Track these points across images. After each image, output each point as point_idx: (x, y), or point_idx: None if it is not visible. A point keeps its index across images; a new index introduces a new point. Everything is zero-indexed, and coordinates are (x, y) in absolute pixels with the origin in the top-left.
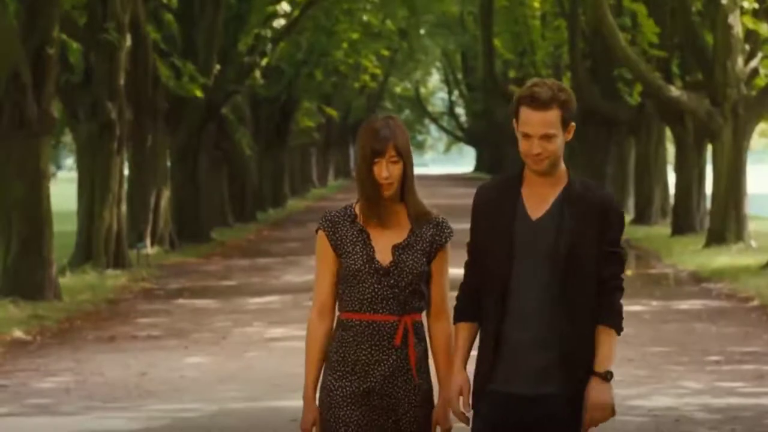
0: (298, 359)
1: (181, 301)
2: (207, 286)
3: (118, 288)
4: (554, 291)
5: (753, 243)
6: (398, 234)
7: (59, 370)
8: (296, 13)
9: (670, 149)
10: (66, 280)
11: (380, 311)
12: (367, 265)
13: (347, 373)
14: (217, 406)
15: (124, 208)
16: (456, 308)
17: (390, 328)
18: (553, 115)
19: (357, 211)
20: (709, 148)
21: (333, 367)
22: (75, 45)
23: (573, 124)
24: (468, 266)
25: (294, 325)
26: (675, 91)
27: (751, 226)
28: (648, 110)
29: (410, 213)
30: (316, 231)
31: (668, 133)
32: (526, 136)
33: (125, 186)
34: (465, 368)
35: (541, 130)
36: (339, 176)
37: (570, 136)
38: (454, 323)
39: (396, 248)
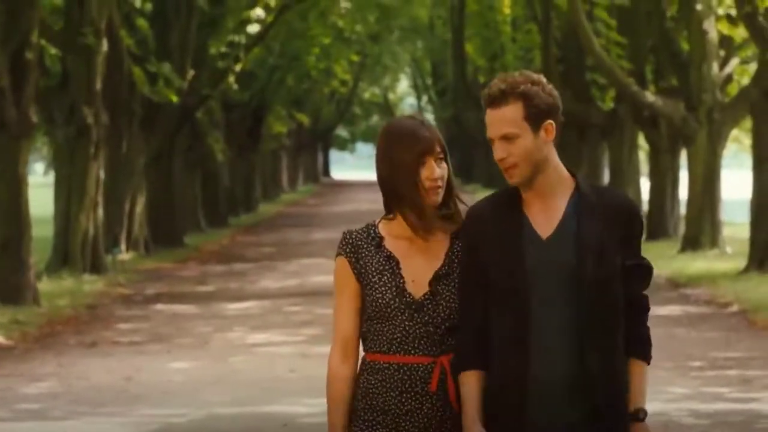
0: (284, 364)
1: (159, 306)
2: (184, 291)
3: (96, 293)
4: (581, 322)
5: (728, 249)
6: (433, 259)
7: (44, 375)
8: (270, 18)
9: (643, 154)
10: (43, 285)
11: (412, 352)
12: (396, 299)
13: (375, 424)
14: (205, 410)
15: (100, 212)
16: (459, 354)
17: (424, 371)
18: (511, 110)
19: (382, 231)
20: (683, 153)
21: (358, 417)
22: (52, 50)
23: (550, 121)
24: (466, 303)
25: (275, 330)
26: (650, 96)
27: (725, 232)
28: (621, 115)
29: (455, 224)
30: (336, 257)
31: (641, 138)
32: (490, 140)
33: (102, 190)
34: (479, 420)
35: (499, 131)
36: (308, 181)
37: (550, 137)
38: (457, 372)
39: (435, 277)
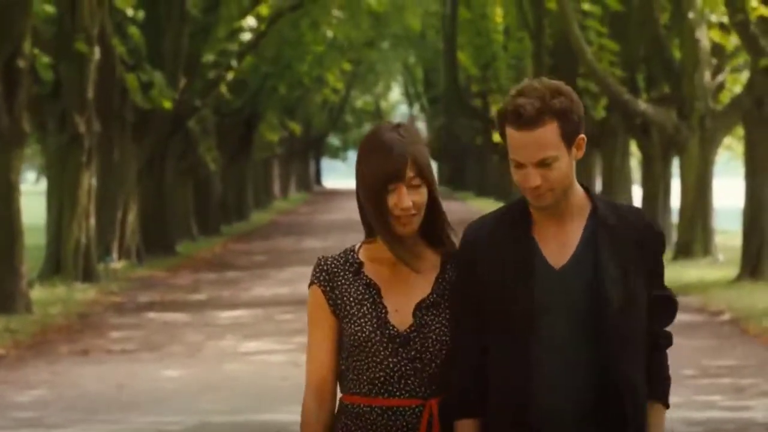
0: (276, 372)
1: (151, 314)
2: (176, 299)
3: (88, 301)
4: (598, 366)
5: (720, 257)
6: (420, 285)
7: (37, 383)
8: (262, 27)
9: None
10: (36, 293)
11: (397, 394)
12: (378, 332)
13: None
14: (198, 418)
15: (92, 220)
16: (455, 398)
17: (411, 416)
18: (549, 132)
19: (362, 256)
20: (675, 161)
21: None
22: (43, 57)
23: (582, 136)
24: (461, 340)
25: (268, 338)
26: (642, 104)
27: (718, 240)
28: (613, 123)
29: (445, 253)
30: (309, 285)
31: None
32: (519, 165)
33: (94, 198)
34: None
35: (535, 156)
36: (300, 189)
37: (581, 153)
38: (451, 418)
39: (418, 307)
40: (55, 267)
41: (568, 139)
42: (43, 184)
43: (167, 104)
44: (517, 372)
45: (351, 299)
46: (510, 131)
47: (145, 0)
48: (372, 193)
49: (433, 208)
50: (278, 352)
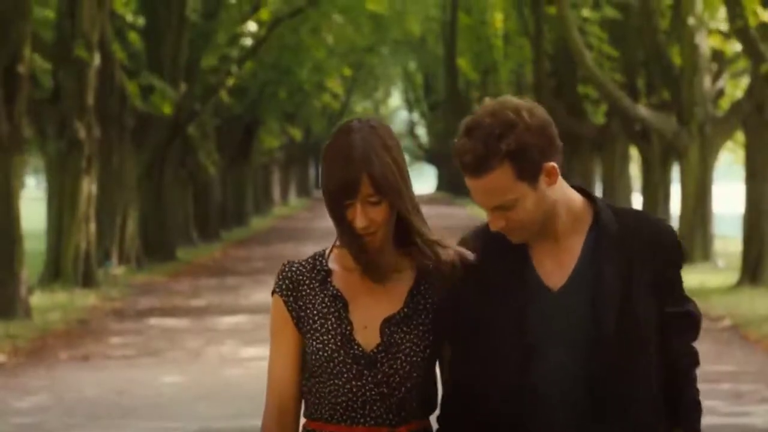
0: None
1: (151, 320)
2: (176, 305)
3: (88, 307)
4: (599, 400)
5: (720, 262)
6: (392, 299)
7: (36, 389)
8: (262, 32)
9: (635, 168)
10: (35, 299)
11: (361, 421)
12: (341, 351)
13: None
14: (198, 424)
15: (92, 226)
16: (441, 427)
17: None
18: (499, 177)
19: (332, 263)
20: (675, 167)
21: None
22: (43, 63)
23: (549, 164)
24: (453, 361)
25: (267, 344)
26: (642, 110)
27: (718, 246)
28: (613, 129)
29: (420, 266)
30: (272, 293)
31: (633, 152)
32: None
33: (93, 204)
34: None
35: (489, 203)
36: (300, 195)
37: (554, 179)
38: None
39: (386, 323)
40: (54, 273)
41: (529, 176)
42: (43, 190)
43: (167, 110)
44: (509, 408)
45: (315, 312)
46: (465, 177)
47: (145, 5)
48: (329, 204)
49: (405, 219)
50: None
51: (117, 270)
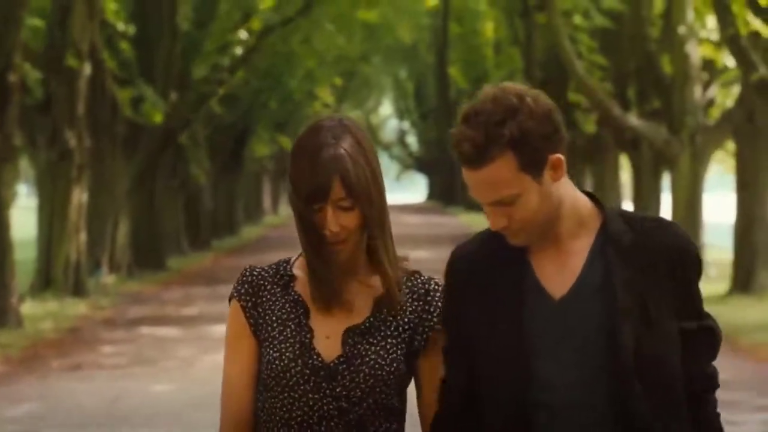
0: None
1: (143, 329)
2: (168, 314)
3: (79, 316)
4: (613, 418)
5: (711, 272)
6: (358, 309)
7: (28, 398)
8: (253, 41)
9: (625, 177)
10: (26, 308)
11: None
12: (299, 361)
13: None
14: None
15: (83, 235)
16: None
17: None
18: (500, 168)
19: (297, 269)
20: (666, 176)
21: None
22: (33, 72)
23: (555, 156)
24: (448, 369)
25: None
26: (632, 118)
27: (708, 255)
28: (604, 138)
29: (385, 282)
30: (229, 300)
31: (624, 161)
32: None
33: (84, 213)
34: None
35: (488, 197)
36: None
37: (560, 173)
38: None
39: (349, 333)
40: (45, 282)
41: (533, 167)
42: (34, 199)
43: (158, 119)
44: (507, 422)
45: (274, 318)
46: (462, 169)
47: (136, 14)
48: (296, 208)
49: (372, 229)
50: None
51: (108, 279)
